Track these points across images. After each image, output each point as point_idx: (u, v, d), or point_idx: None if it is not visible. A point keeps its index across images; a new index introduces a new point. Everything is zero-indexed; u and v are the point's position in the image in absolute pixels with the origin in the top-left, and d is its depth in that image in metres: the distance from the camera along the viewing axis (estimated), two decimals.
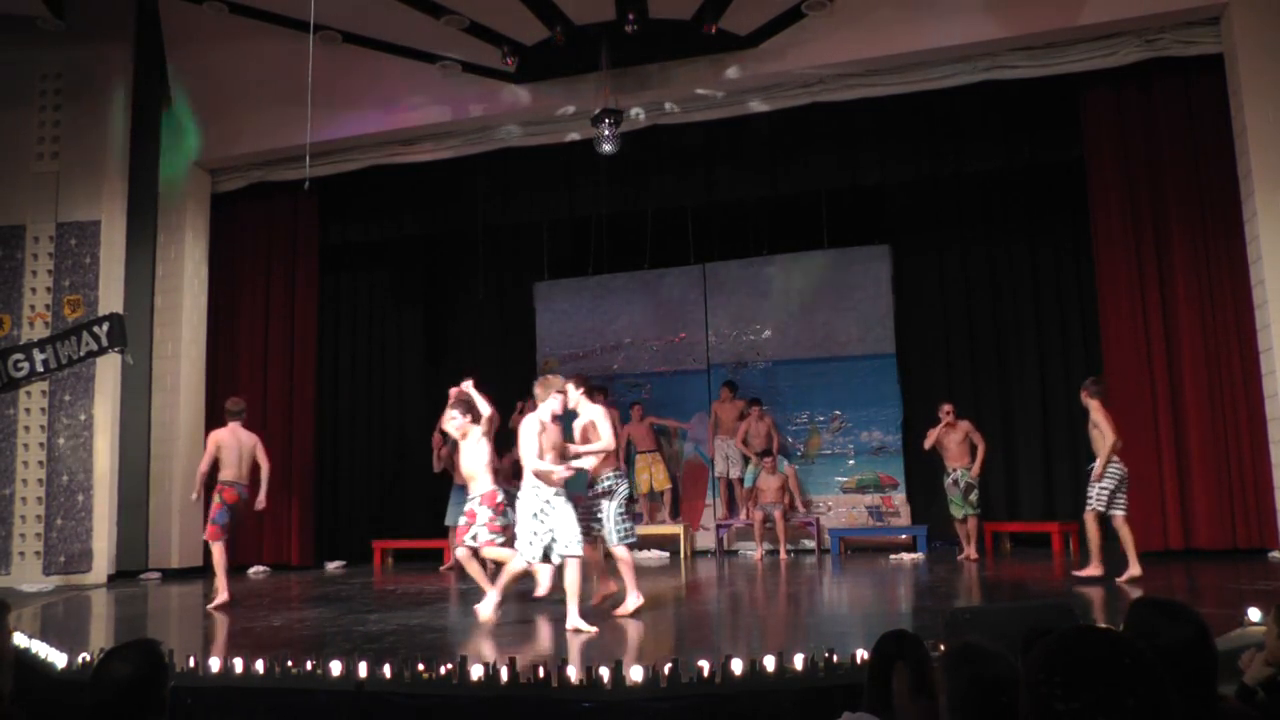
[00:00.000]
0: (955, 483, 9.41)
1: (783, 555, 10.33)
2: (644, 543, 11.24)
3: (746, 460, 11.04)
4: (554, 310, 12.41)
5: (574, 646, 5.27)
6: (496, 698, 4.06)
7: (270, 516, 11.27)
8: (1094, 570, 7.21)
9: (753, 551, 10.56)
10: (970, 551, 9.26)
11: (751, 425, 10.99)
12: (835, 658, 4.07)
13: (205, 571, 10.13)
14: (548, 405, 6.14)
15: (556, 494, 5.97)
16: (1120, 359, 9.02)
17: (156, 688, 2.30)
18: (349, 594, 8.34)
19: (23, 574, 9.95)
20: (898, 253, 11.41)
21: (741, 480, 11.01)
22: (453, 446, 10.14)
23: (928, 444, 9.61)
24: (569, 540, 5.90)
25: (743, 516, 10.92)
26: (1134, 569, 7.06)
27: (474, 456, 6.88)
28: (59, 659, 4.95)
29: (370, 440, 12.69)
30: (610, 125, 9.12)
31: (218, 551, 7.61)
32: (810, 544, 10.74)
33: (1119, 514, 7.26)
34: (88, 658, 4.80)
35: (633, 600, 6.29)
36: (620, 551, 6.35)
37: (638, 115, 9.96)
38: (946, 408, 9.56)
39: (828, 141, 10.51)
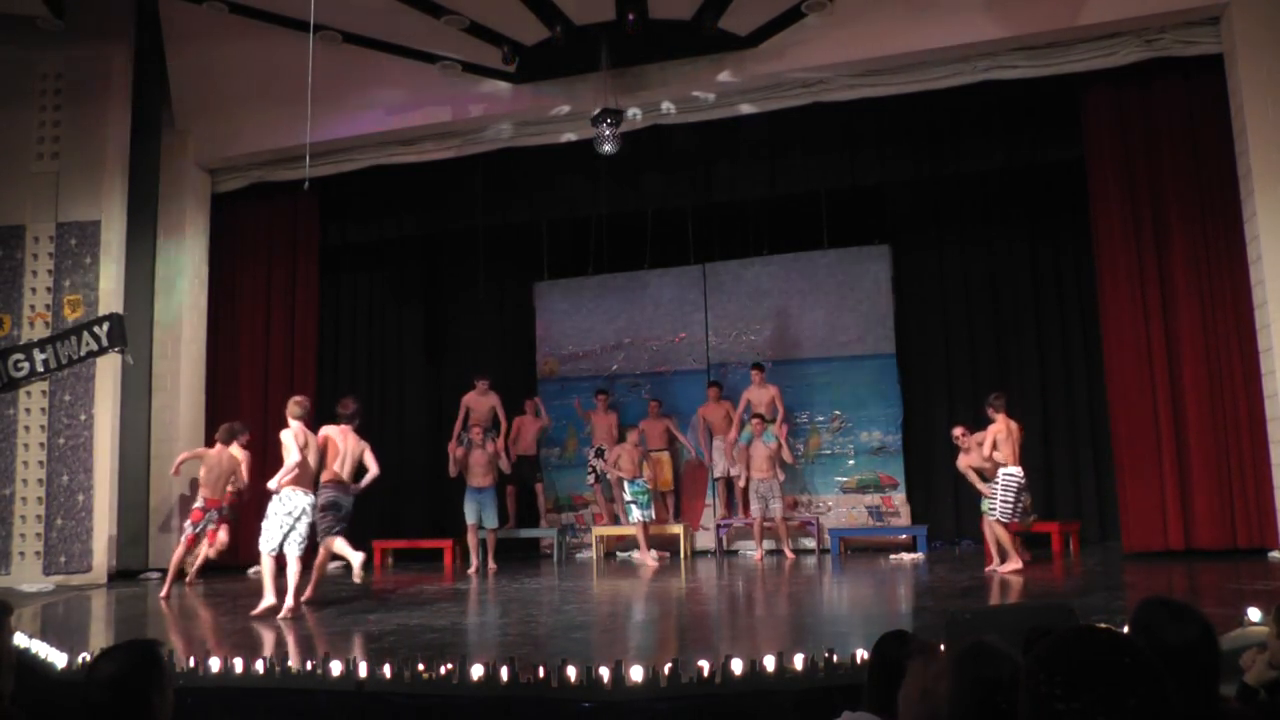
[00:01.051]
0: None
1: (788, 555, 10.20)
2: None
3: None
4: (554, 310, 12.40)
5: (571, 647, 5.27)
6: (496, 698, 4.06)
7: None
8: (1015, 564, 7.98)
9: (753, 551, 10.53)
10: (1007, 562, 8.06)
11: (753, 392, 10.76)
12: (835, 658, 4.07)
13: (205, 572, 10.13)
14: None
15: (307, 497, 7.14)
16: (1120, 359, 9.01)
17: (142, 688, 2.27)
18: (349, 594, 8.33)
19: (23, 574, 9.95)
20: (898, 253, 11.40)
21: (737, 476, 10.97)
22: (468, 449, 10.48)
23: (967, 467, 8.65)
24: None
25: (739, 485, 10.64)
26: (1014, 562, 8.02)
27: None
28: (59, 659, 4.95)
29: (370, 440, 12.63)
30: (610, 125, 9.12)
31: (180, 550, 8.93)
32: (810, 544, 10.73)
33: (1030, 519, 8.31)
34: (88, 658, 4.80)
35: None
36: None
37: (637, 115, 9.95)
38: (957, 432, 8.78)
39: (828, 141, 10.51)
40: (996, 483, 8.22)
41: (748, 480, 10.42)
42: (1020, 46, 9.07)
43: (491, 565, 10.19)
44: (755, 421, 10.36)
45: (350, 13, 9.19)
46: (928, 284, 11.47)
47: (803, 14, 9.05)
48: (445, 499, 11.66)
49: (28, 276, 10.46)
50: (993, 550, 8.40)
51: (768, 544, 10.50)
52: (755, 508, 10.33)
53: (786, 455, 10.47)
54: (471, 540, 10.39)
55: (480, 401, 11.01)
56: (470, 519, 10.35)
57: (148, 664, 2.31)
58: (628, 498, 10.51)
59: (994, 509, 8.16)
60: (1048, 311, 11.02)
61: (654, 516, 10.54)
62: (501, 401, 11.09)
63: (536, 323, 12.45)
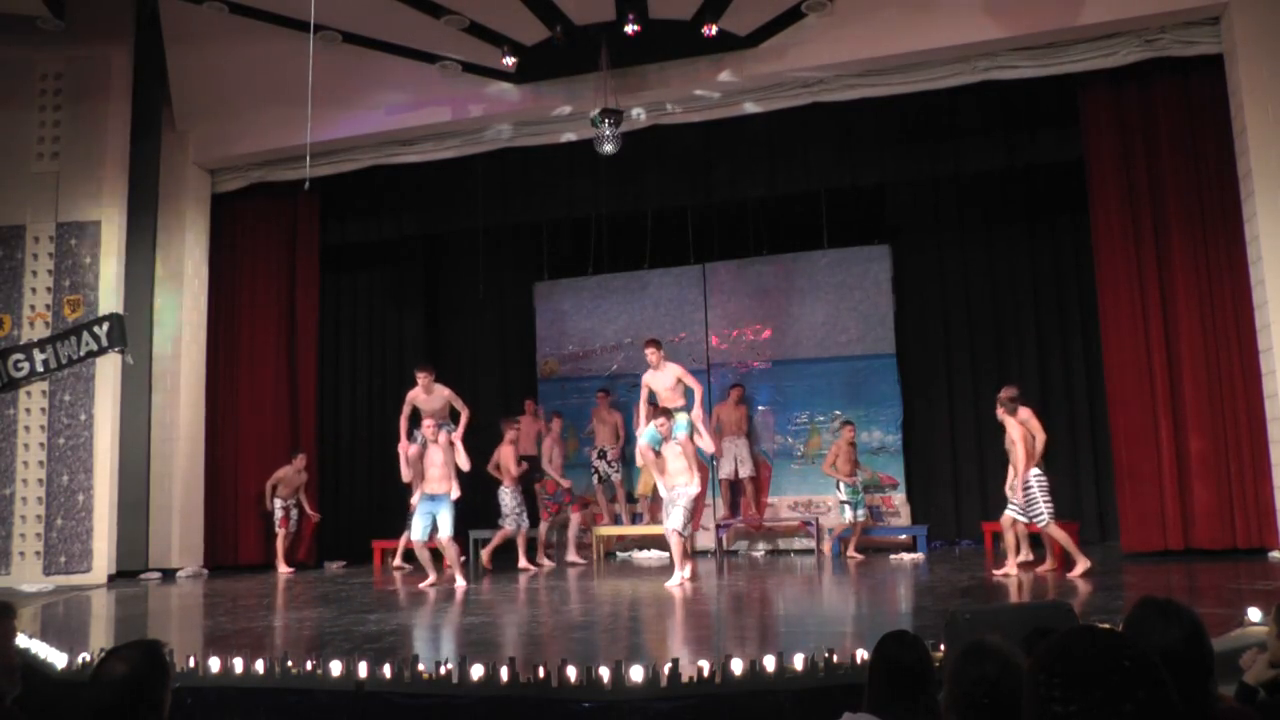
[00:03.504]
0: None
1: (683, 582, 7.99)
2: (644, 543, 11.25)
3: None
4: (554, 310, 12.40)
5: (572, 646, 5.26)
6: (496, 698, 4.06)
7: (271, 518, 11.30)
8: (1083, 564, 7.60)
9: (758, 553, 10.43)
10: (1077, 564, 7.59)
11: (651, 377, 8.78)
12: (835, 658, 4.07)
13: (205, 572, 10.14)
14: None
15: None
16: (1120, 359, 9.01)
17: (153, 688, 2.28)
18: (349, 594, 8.34)
19: (23, 574, 9.95)
20: (898, 253, 11.40)
21: (736, 474, 10.92)
22: (423, 447, 8.83)
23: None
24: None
25: (639, 459, 9.10)
26: (1082, 562, 7.60)
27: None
28: (59, 659, 4.95)
29: (371, 440, 12.69)
30: (610, 125, 9.11)
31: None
32: (810, 544, 10.73)
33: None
34: (88, 658, 4.80)
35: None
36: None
37: (638, 115, 9.95)
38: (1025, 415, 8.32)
39: (828, 141, 10.51)
40: (1032, 487, 7.80)
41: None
42: (1020, 46, 9.06)
43: (443, 573, 8.70)
44: (659, 421, 8.26)
45: (350, 13, 9.18)
46: (928, 284, 11.47)
47: (803, 14, 9.05)
48: None
49: (28, 276, 10.46)
50: (1010, 550, 8.11)
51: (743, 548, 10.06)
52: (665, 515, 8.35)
53: (706, 444, 8.91)
54: (422, 556, 8.70)
55: (428, 400, 9.21)
56: (416, 535, 8.63)
57: (156, 662, 2.33)
58: (843, 498, 10.09)
59: (1042, 515, 7.76)
60: (1048, 311, 11.02)
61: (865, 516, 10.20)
62: (456, 392, 9.38)
63: (536, 323, 12.46)
